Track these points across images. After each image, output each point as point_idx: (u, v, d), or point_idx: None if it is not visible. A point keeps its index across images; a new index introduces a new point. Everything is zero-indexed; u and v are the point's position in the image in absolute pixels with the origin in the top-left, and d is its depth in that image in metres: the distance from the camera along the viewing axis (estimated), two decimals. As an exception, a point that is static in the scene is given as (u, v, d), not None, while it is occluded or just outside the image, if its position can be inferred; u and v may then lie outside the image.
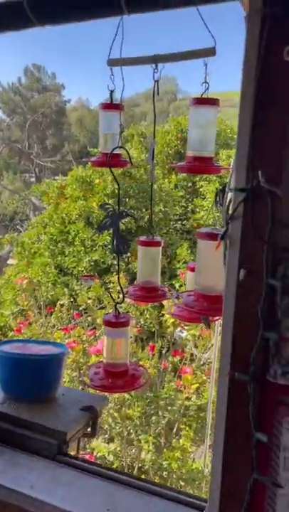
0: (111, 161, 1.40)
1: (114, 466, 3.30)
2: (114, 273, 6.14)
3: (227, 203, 0.89)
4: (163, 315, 4.00)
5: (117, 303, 1.34)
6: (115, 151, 1.44)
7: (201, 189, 7.81)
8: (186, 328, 4.11)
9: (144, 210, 6.51)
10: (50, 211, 7.30)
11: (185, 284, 1.79)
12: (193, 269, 1.59)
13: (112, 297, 1.35)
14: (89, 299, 3.81)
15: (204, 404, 3.58)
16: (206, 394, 3.51)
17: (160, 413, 3.42)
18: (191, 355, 3.92)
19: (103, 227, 1.34)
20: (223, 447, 0.78)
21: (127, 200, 6.53)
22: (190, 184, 8.16)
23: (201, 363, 4.02)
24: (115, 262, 6.32)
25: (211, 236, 1.05)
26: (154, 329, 3.85)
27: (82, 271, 6.45)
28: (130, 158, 1.32)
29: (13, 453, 1.17)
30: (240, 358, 0.73)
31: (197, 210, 7.56)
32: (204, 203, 7.44)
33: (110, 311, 3.82)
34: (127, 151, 1.30)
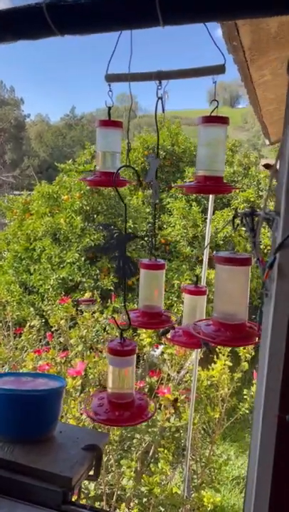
0: (109, 180, 1.33)
1: (91, 495, 3.14)
2: (83, 291, 5.99)
3: (255, 227, 0.84)
4: (138, 334, 3.91)
5: (123, 329, 1.25)
6: (112, 170, 1.38)
7: (167, 206, 7.85)
8: (161, 347, 4.04)
9: (112, 226, 6.42)
10: (14, 227, 7.06)
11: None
12: (190, 292, 1.53)
13: (117, 325, 1.27)
14: (61, 319, 3.66)
15: (183, 426, 3.50)
16: (184, 415, 3.43)
17: (138, 436, 3.30)
18: (168, 374, 3.84)
19: (107, 248, 1.26)
20: (269, 498, 0.71)
21: (96, 216, 6.44)
22: (157, 201, 8.17)
23: (177, 382, 3.95)
24: (84, 280, 6.18)
25: (232, 261, 1.00)
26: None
27: (49, 289, 6.26)
28: (139, 177, 1.26)
29: (12, 504, 1.04)
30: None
31: (164, 226, 7.57)
32: (171, 219, 7.46)
33: (85, 331, 3.69)
34: (135, 170, 1.23)
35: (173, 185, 7.62)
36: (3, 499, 1.06)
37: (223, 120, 1.20)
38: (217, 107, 1.20)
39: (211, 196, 2.61)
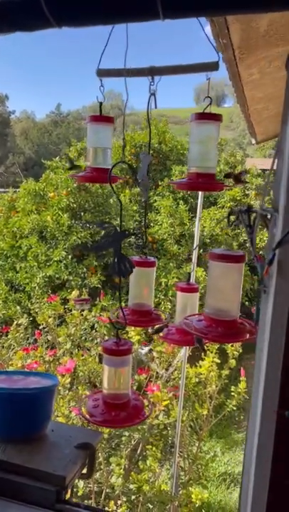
0: (101, 176, 1.32)
1: (79, 494, 3.12)
2: (70, 289, 5.95)
3: (254, 224, 0.84)
4: (127, 332, 3.91)
5: (119, 328, 1.25)
6: (103, 166, 1.37)
7: (155, 204, 7.84)
8: (150, 345, 4.04)
9: (107, 224, 6.39)
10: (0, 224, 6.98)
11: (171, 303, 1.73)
12: (183, 289, 1.53)
13: (113, 324, 1.26)
14: (49, 317, 3.63)
15: (171, 423, 3.51)
16: (173, 412, 3.44)
17: (127, 434, 3.30)
18: (156, 372, 3.84)
19: (102, 246, 1.25)
20: (268, 488, 0.71)
21: (83, 214, 6.40)
22: (143, 199, 8.17)
23: (165, 380, 3.96)
24: (71, 278, 6.14)
25: (226, 257, 1.00)
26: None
27: (35, 287, 6.20)
28: (134, 174, 1.25)
29: (5, 504, 1.03)
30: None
31: (151, 224, 7.57)
32: (158, 217, 7.46)
33: (73, 329, 3.66)
34: (130, 166, 1.22)
35: (165, 182, 7.62)
36: (-5, 499, 1.05)
37: (215, 117, 1.20)
38: (210, 103, 1.20)
39: (200, 194, 2.62)
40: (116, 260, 1.23)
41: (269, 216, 0.78)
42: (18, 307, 5.98)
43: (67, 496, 1.12)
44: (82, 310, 3.55)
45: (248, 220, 0.83)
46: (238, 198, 8.09)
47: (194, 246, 2.56)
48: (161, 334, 1.58)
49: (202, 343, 1.46)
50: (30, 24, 0.78)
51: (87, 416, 1.20)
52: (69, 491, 1.09)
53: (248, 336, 0.96)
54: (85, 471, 1.16)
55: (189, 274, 1.52)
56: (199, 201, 2.66)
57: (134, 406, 1.26)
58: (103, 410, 1.21)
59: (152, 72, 1.27)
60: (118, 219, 6.37)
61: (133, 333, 3.60)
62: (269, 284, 0.72)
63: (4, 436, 1.15)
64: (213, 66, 1.18)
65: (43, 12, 0.73)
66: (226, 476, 5.54)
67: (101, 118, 1.33)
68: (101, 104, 1.35)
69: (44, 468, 1.08)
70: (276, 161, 0.74)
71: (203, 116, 1.18)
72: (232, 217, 0.93)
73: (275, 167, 0.76)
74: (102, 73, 1.34)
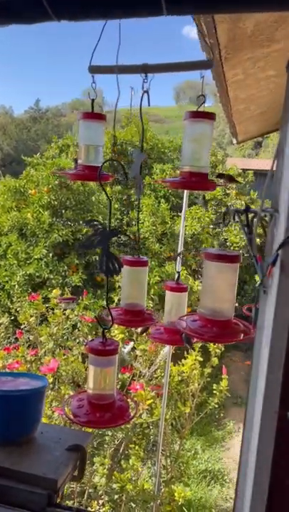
0: (92, 174, 1.30)
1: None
2: (50, 288, 5.88)
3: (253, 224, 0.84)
4: (110, 331, 3.88)
5: (106, 328, 1.23)
6: (95, 164, 1.35)
7: (136, 202, 7.83)
8: (131, 343, 4.02)
9: (81, 222, 6.35)
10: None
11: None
12: (172, 289, 1.53)
13: (100, 324, 1.24)
14: (31, 316, 3.58)
15: (154, 422, 3.51)
16: (156, 411, 3.44)
17: (110, 433, 3.28)
18: (140, 371, 3.83)
19: (89, 244, 1.23)
20: (268, 487, 0.71)
21: (64, 211, 6.33)
22: (125, 197, 8.15)
23: (148, 378, 3.96)
24: (51, 277, 6.07)
25: (222, 257, 1.00)
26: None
27: (15, 285, 6.10)
28: (125, 172, 1.23)
29: (-5, 509, 1.00)
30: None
31: (133, 223, 7.56)
32: (140, 215, 7.45)
33: (55, 328, 3.62)
34: (121, 164, 1.21)
35: (147, 180, 7.60)
36: (-16, 505, 1.02)
37: (209, 116, 1.19)
38: (204, 102, 1.19)
39: (185, 193, 2.62)
40: (104, 259, 1.21)
41: (267, 216, 0.78)
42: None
43: (58, 499, 1.10)
44: (66, 309, 3.51)
45: (247, 220, 0.83)
46: (219, 197, 8.16)
47: (180, 244, 2.57)
48: (149, 333, 1.57)
49: (191, 342, 1.45)
50: (27, 16, 0.75)
51: (71, 416, 1.19)
52: (60, 494, 1.07)
53: (242, 336, 0.96)
54: (76, 473, 1.14)
55: (179, 273, 1.51)
56: (184, 200, 2.66)
57: (119, 407, 1.24)
58: (88, 411, 1.19)
59: (145, 69, 1.26)
60: (100, 217, 6.34)
61: (117, 332, 3.58)
62: (269, 285, 0.72)
63: (-7, 439, 1.12)
64: (207, 64, 1.18)
65: (42, 4, 0.71)
66: (206, 473, 5.59)
67: (93, 115, 1.31)
68: (93, 100, 1.33)
69: (34, 471, 1.06)
70: (276, 161, 0.73)
71: (197, 115, 1.18)
72: (233, 218, 0.93)
73: (274, 167, 0.76)
74: (95, 70, 1.32)
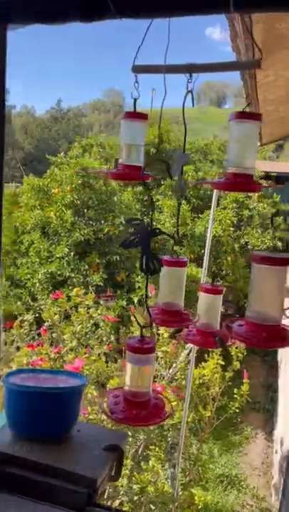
0: (133, 173, 1.30)
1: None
2: (71, 286, 5.91)
3: None
4: (132, 332, 3.88)
5: (144, 327, 1.23)
6: (136, 164, 1.35)
7: (157, 203, 7.83)
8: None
9: (102, 221, 6.37)
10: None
11: (197, 305, 1.71)
12: (207, 290, 1.52)
13: (138, 322, 1.24)
14: (55, 314, 3.60)
15: (174, 424, 3.50)
16: (177, 413, 3.43)
17: (130, 433, 3.28)
18: (160, 373, 3.82)
19: (129, 243, 1.22)
20: None
21: (86, 211, 6.37)
22: (146, 198, 8.15)
23: (168, 380, 3.94)
24: (73, 275, 6.10)
25: (271, 260, 0.98)
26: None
27: (36, 283, 6.16)
28: (169, 172, 1.23)
29: (35, 506, 1.00)
30: None
31: (154, 223, 7.55)
32: (161, 217, 7.44)
33: (79, 327, 3.63)
34: (167, 164, 1.20)
35: (169, 182, 7.59)
36: (24, 500, 1.02)
37: (255, 117, 1.18)
38: (249, 104, 1.18)
39: (214, 194, 2.61)
40: (144, 258, 1.21)
41: None
42: (19, 303, 5.94)
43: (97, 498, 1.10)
44: (88, 307, 3.53)
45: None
46: (241, 200, 8.09)
47: (207, 245, 2.55)
48: (182, 335, 1.56)
49: (225, 344, 1.44)
50: (90, 14, 0.75)
51: (108, 413, 1.18)
52: (99, 493, 1.07)
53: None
54: (113, 473, 1.14)
55: (214, 273, 1.49)
56: (213, 202, 2.65)
57: (154, 405, 1.24)
58: (124, 408, 1.19)
59: (190, 69, 1.25)
60: (122, 217, 6.35)
61: (138, 332, 3.58)
62: None
63: (33, 435, 1.13)
64: (255, 64, 1.16)
65: (105, 0, 0.71)
66: (223, 477, 5.54)
67: (135, 114, 1.31)
68: (135, 100, 1.32)
69: (74, 469, 1.06)
70: None
71: (243, 116, 1.16)
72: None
73: None
74: (138, 69, 1.32)
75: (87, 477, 1.04)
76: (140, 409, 1.20)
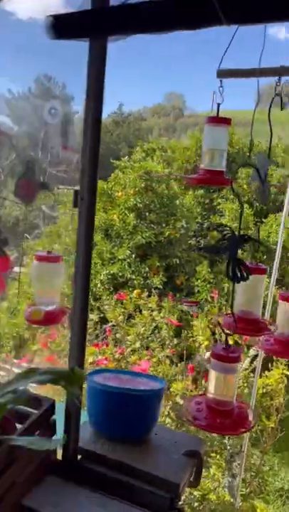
0: (215, 178, 1.29)
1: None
2: (132, 288, 5.99)
3: None
4: (192, 336, 3.86)
5: (229, 334, 1.21)
6: (218, 169, 1.34)
7: (218, 207, 7.72)
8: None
9: (164, 225, 6.41)
10: (66, 221, 7.18)
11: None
12: (286, 298, 1.47)
13: (222, 329, 1.22)
14: (119, 315, 3.67)
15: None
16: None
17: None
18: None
19: (215, 250, 1.21)
20: None
21: (148, 214, 6.43)
22: (207, 201, 8.08)
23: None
24: (133, 277, 6.19)
25: None
26: (190, 351, 3.71)
27: (98, 284, 6.31)
28: (260, 177, 1.21)
29: (121, 506, 1.02)
30: None
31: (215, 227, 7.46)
32: (223, 220, 7.33)
33: (141, 329, 3.67)
34: (256, 169, 1.18)
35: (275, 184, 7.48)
36: (106, 498, 1.05)
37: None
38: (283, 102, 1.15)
39: (287, 197, 2.53)
40: (232, 265, 1.19)
41: None
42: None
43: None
44: (152, 310, 3.56)
45: None
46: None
47: (278, 251, 2.48)
48: (259, 345, 1.52)
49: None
50: (195, 21, 0.76)
51: (191, 419, 1.18)
52: (180, 499, 1.07)
53: None
54: (192, 479, 1.14)
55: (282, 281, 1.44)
56: (285, 206, 2.56)
57: (238, 414, 1.21)
58: (207, 415, 1.18)
59: (280, 72, 1.22)
60: (183, 220, 6.35)
61: (201, 338, 3.56)
62: None
63: (115, 435, 1.15)
64: None
65: (214, 7, 0.70)
66: (282, 492, 5.34)
67: (219, 119, 1.30)
68: (219, 105, 1.31)
69: (155, 472, 1.07)
70: None
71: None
72: None
73: None
74: (223, 74, 1.31)
75: (169, 481, 1.04)
76: (224, 418, 1.19)
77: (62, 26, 0.85)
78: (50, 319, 1.23)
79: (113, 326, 3.68)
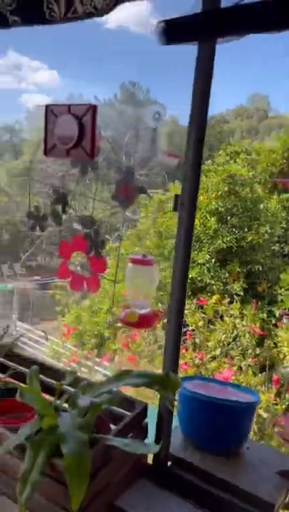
0: None
1: None
2: (210, 293, 5.89)
3: None
4: (276, 346, 3.70)
5: None
6: None
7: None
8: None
9: (246, 229, 6.22)
10: (147, 224, 7.27)
11: None
12: None
13: None
14: (199, 320, 3.62)
15: None
16: None
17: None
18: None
19: None
20: None
21: (230, 218, 6.29)
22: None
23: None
24: (212, 282, 6.08)
25: None
26: (272, 361, 3.56)
27: (176, 287, 6.29)
28: None
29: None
30: None
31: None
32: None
33: (218, 332, 3.59)
34: None
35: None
36: (196, 509, 1.02)
37: None
38: None
39: None
40: None
41: None
42: (159, 304, 6.15)
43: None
44: (235, 317, 3.46)
45: None
46: None
47: None
48: None
49: None
50: (266, 25, 0.72)
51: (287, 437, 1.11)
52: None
53: None
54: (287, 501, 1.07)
55: None
56: None
57: None
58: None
59: None
60: (267, 225, 6.13)
61: (287, 349, 3.39)
62: None
63: (205, 445, 1.12)
64: None
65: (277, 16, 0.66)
66: None
67: None
68: None
69: (248, 488, 1.02)
70: None
71: None
72: None
73: None
74: None
75: (264, 501, 0.99)
76: None
77: (173, 30, 0.84)
78: (144, 322, 1.24)
79: (192, 330, 3.64)
